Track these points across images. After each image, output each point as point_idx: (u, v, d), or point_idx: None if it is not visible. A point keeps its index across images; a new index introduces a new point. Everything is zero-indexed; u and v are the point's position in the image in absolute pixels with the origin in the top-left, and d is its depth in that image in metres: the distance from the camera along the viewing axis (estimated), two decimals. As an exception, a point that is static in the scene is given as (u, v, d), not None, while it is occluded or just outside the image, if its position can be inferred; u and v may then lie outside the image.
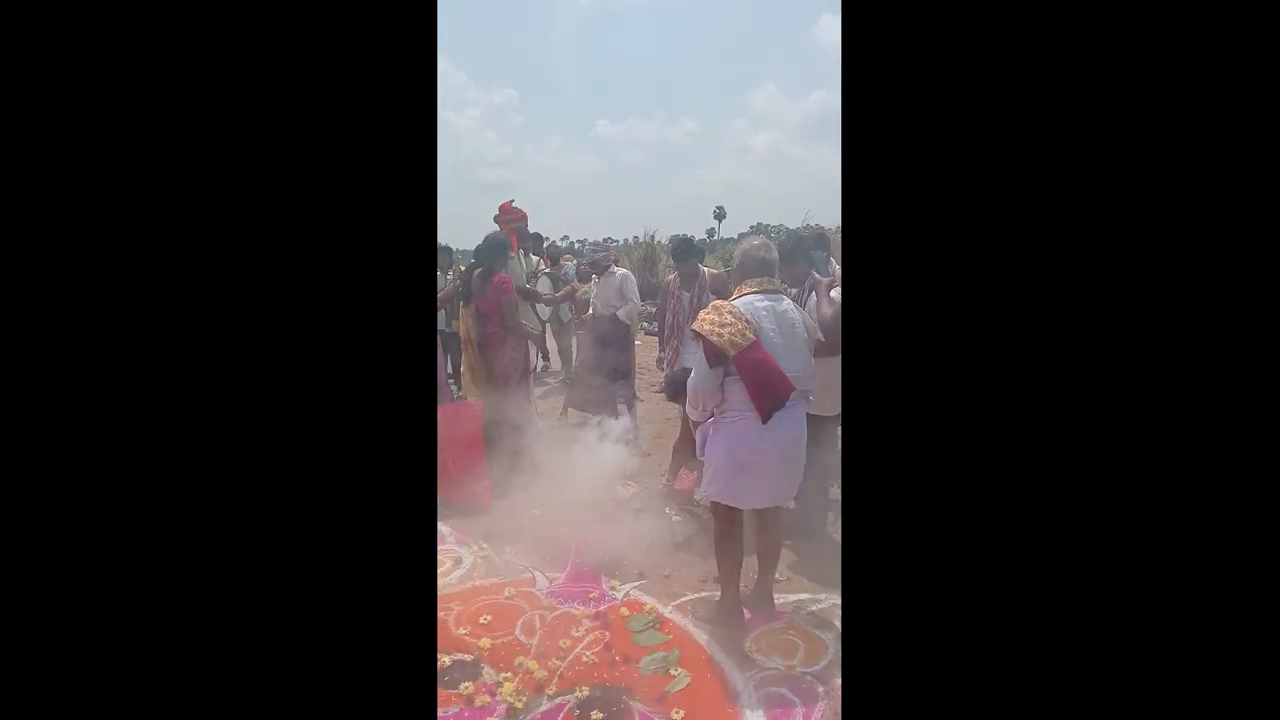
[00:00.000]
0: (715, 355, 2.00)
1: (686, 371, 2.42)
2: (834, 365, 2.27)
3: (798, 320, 2.12)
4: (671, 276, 4.02)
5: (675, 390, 2.36)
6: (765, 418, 2.01)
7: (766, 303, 2.07)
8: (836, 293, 2.48)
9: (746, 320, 2.00)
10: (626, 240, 14.25)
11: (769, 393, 2.00)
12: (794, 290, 2.79)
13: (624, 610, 2.31)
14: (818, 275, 2.74)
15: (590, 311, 4.54)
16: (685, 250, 3.82)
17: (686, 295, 3.67)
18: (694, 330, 2.08)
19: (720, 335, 1.98)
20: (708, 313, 2.07)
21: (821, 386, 2.31)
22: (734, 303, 2.08)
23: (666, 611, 2.30)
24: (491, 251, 3.56)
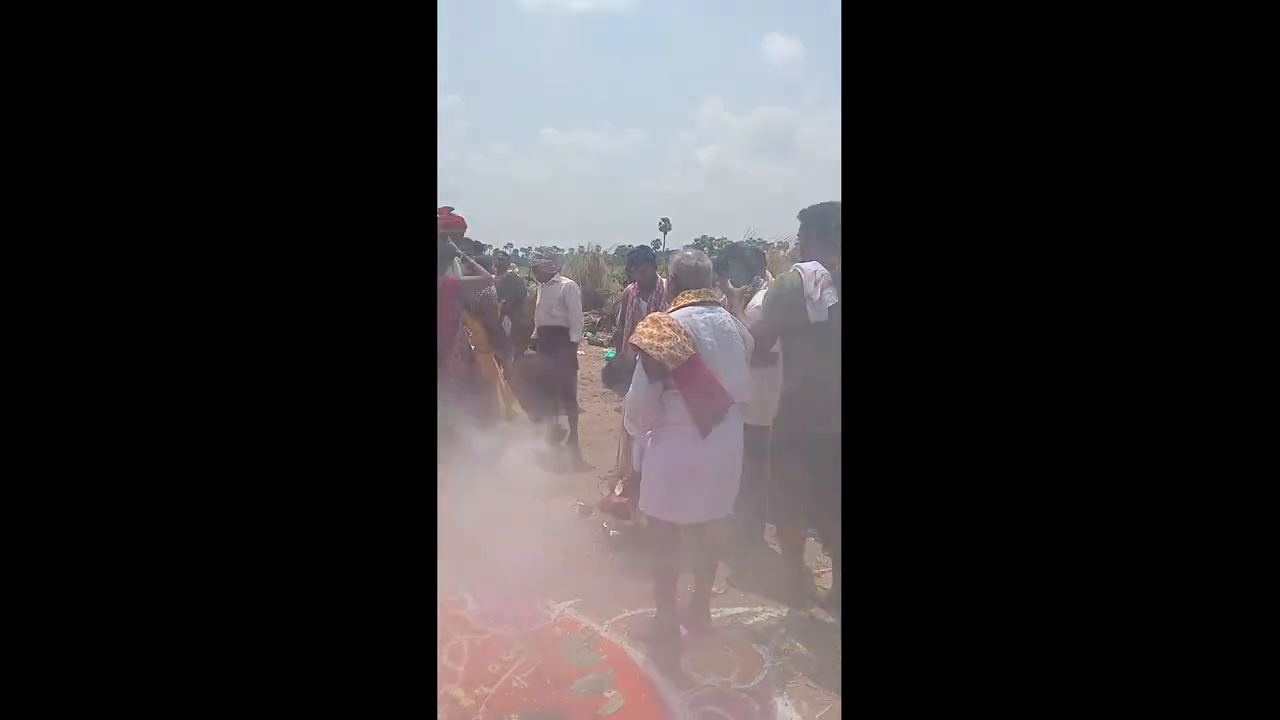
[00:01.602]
0: (654, 369, 1.97)
1: (627, 360, 2.38)
2: (761, 376, 2.28)
3: (735, 332, 2.10)
4: (630, 285, 4.00)
5: (614, 378, 2.32)
6: (704, 432, 1.99)
7: (705, 314, 2.05)
8: (755, 301, 2.49)
9: (686, 333, 1.98)
10: (572, 250, 14.19)
11: (708, 406, 1.98)
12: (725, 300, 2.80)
13: (558, 630, 2.23)
14: (731, 285, 2.75)
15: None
16: (642, 259, 3.82)
17: (644, 304, 3.65)
18: (632, 344, 2.04)
19: (660, 349, 1.95)
20: (646, 325, 2.04)
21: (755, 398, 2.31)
22: (672, 315, 2.05)
23: (602, 630, 2.24)
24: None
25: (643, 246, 4.90)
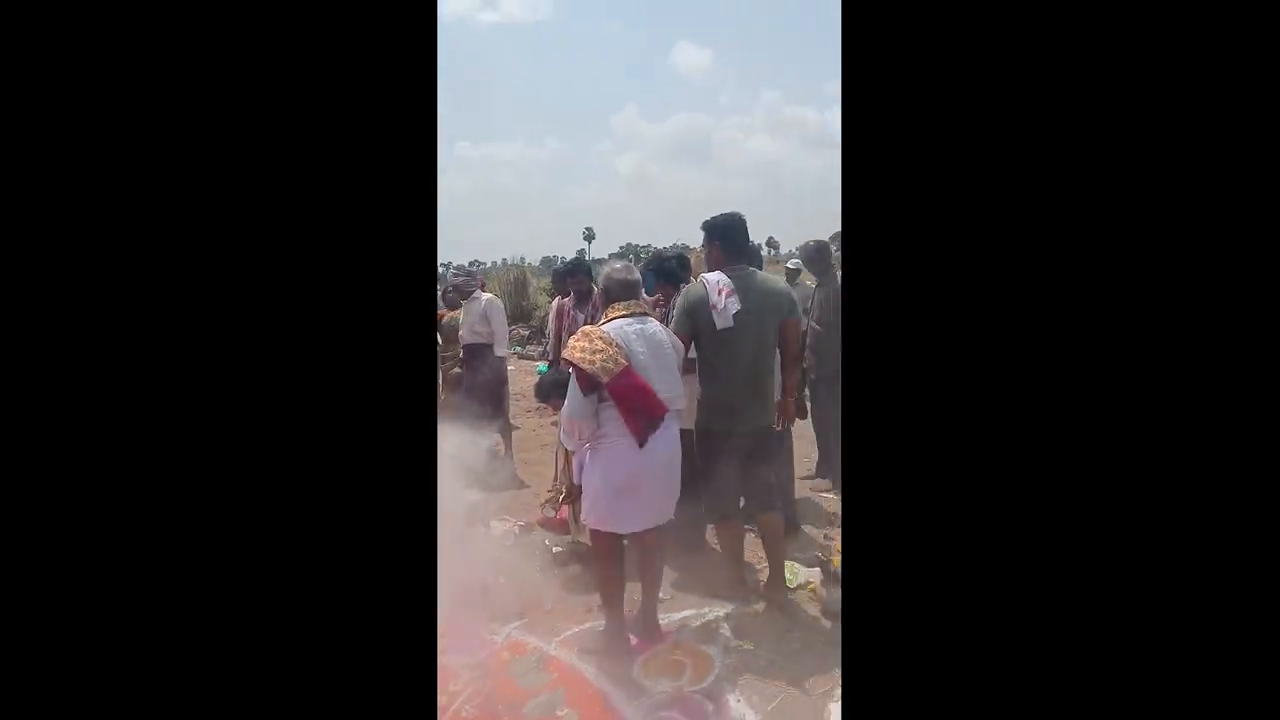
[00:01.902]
0: (588, 382, 1.97)
1: (559, 373, 2.36)
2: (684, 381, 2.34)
3: (665, 340, 2.14)
4: (564, 299, 3.98)
5: (547, 393, 2.30)
6: (642, 441, 2.01)
7: (635, 325, 2.08)
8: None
9: (617, 345, 2.00)
10: (495, 263, 13.98)
11: (644, 416, 2.00)
12: (659, 310, 2.85)
13: (506, 654, 2.18)
14: (645, 294, 2.81)
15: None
16: (578, 270, 3.82)
17: (581, 315, 3.64)
18: (564, 358, 2.04)
19: (592, 362, 1.96)
20: (578, 339, 2.04)
21: None
22: (603, 328, 2.06)
23: (550, 649, 2.21)
24: None
25: (577, 258, 4.93)
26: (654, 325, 2.14)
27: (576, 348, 2.01)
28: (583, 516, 2.21)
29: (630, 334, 2.04)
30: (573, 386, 2.01)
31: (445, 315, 4.56)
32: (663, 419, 2.04)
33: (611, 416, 2.02)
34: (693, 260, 4.05)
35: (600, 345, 1.99)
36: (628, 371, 1.98)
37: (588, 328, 2.11)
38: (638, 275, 2.22)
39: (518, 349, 9.57)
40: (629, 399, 1.98)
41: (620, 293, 2.16)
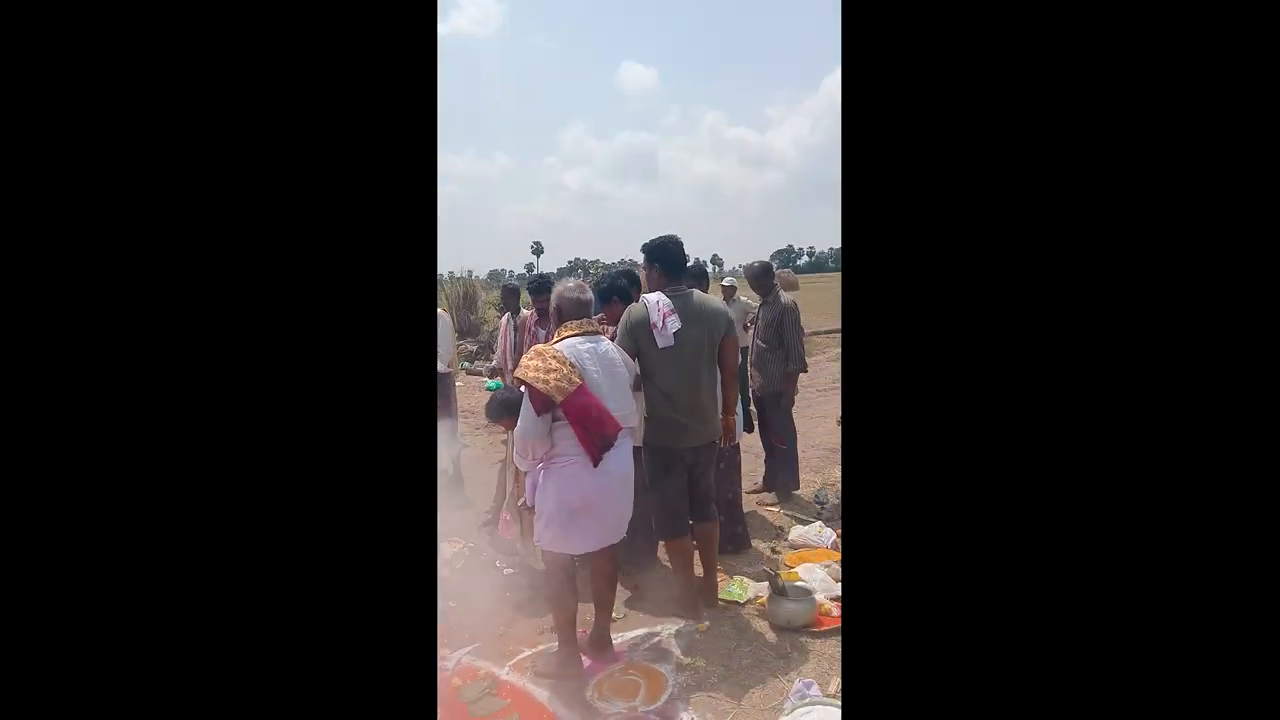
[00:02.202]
0: (542, 402, 1.98)
1: (510, 391, 2.35)
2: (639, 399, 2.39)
3: (618, 359, 2.17)
4: (529, 312, 4.00)
5: (499, 412, 2.29)
6: (596, 461, 2.01)
7: (588, 344, 2.09)
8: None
9: (571, 364, 2.00)
10: (442, 276, 13.74)
11: (598, 435, 2.00)
12: (611, 329, 2.88)
13: (456, 680, 2.14)
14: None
15: None
16: (542, 286, 3.84)
17: (543, 331, 3.64)
18: (516, 378, 2.04)
19: (546, 381, 1.96)
20: (530, 359, 2.04)
21: None
22: (556, 346, 2.07)
23: (503, 673, 2.19)
24: None
25: (541, 274, 4.93)
26: (606, 344, 2.16)
27: (530, 367, 2.00)
28: (535, 538, 2.20)
29: (583, 352, 2.06)
30: (526, 406, 2.01)
31: None
32: (616, 437, 2.05)
33: (565, 436, 2.02)
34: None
35: (554, 364, 1.99)
36: (582, 390, 1.99)
37: (540, 346, 2.11)
38: (590, 294, 2.25)
39: (465, 365, 9.41)
40: (583, 418, 1.99)
41: (573, 311, 2.17)
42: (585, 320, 2.17)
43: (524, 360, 2.06)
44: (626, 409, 2.14)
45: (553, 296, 2.29)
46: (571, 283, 2.26)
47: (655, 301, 2.37)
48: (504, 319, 4.44)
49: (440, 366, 3.97)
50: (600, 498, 2.07)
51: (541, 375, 1.97)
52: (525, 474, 2.24)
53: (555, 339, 2.15)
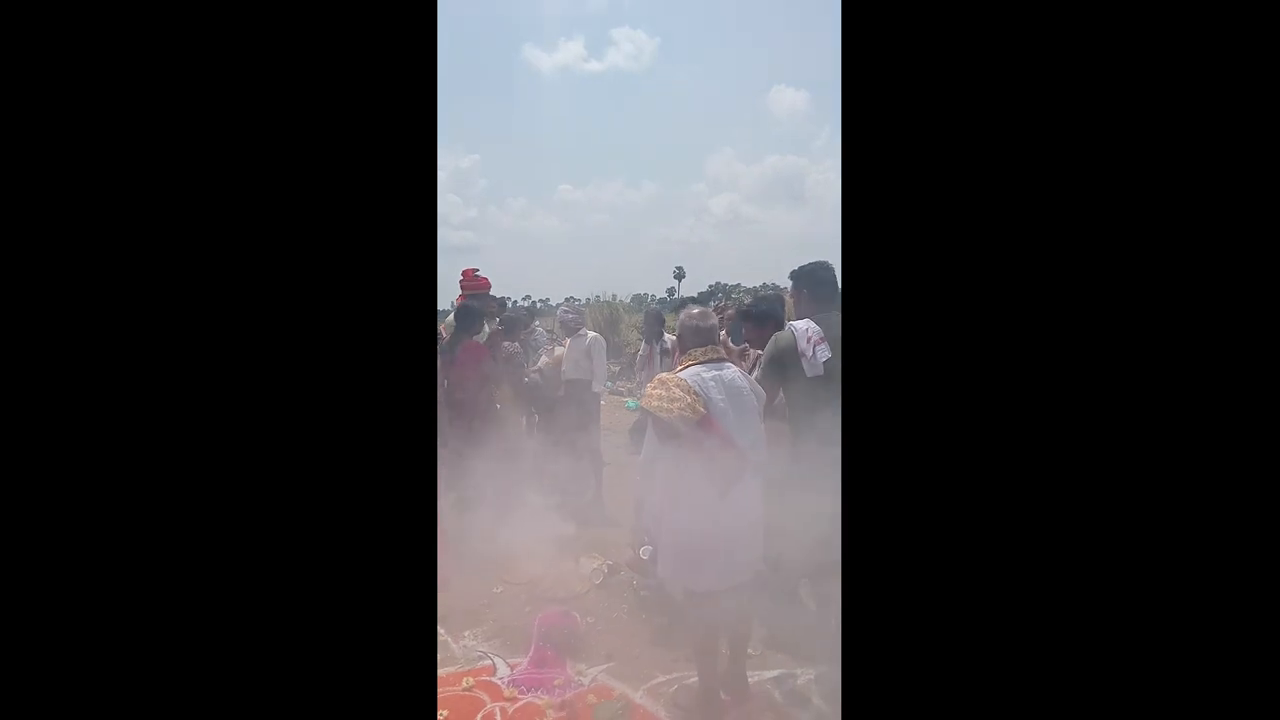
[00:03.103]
0: (665, 432, 1.95)
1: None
2: (773, 429, 2.27)
3: (745, 388, 2.07)
4: (671, 337, 4.06)
5: (641, 432, 2.31)
6: (722, 494, 1.94)
7: (713, 373, 2.03)
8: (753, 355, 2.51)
9: (695, 393, 1.95)
10: (589, 299, 14.40)
11: (724, 467, 1.93)
12: (755, 353, 2.82)
13: (591, 698, 2.18)
14: (730, 343, 2.77)
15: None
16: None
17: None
18: (643, 405, 2.03)
19: (669, 411, 1.92)
20: (654, 388, 2.01)
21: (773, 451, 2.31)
22: (679, 375, 2.03)
23: (637, 697, 2.18)
24: (466, 320, 3.69)
25: (684, 299, 5.00)
26: (733, 371, 2.08)
27: (653, 395, 1.97)
28: (659, 569, 2.17)
29: (708, 380, 2.00)
30: (649, 435, 1.99)
31: (543, 359, 4.69)
32: (743, 470, 1.96)
33: (690, 467, 1.96)
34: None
35: (677, 394, 1.95)
36: (706, 420, 1.93)
37: (664, 375, 2.07)
38: (714, 320, 2.19)
39: (609, 385, 9.75)
40: (706, 450, 1.93)
41: (695, 339, 2.12)
42: (710, 347, 2.11)
43: (648, 389, 2.03)
44: (754, 440, 2.04)
45: (677, 324, 2.26)
46: (695, 309, 2.22)
47: (804, 329, 2.26)
48: (646, 346, 4.53)
49: (595, 386, 4.14)
50: (725, 532, 1.98)
51: (664, 404, 1.93)
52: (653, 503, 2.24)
53: (679, 367, 2.10)
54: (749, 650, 2.28)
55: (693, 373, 2.03)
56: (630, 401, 5.43)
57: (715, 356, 2.09)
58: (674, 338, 4.05)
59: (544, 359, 4.52)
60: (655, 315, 4.72)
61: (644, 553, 2.90)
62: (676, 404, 1.93)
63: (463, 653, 2.48)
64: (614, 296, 15.26)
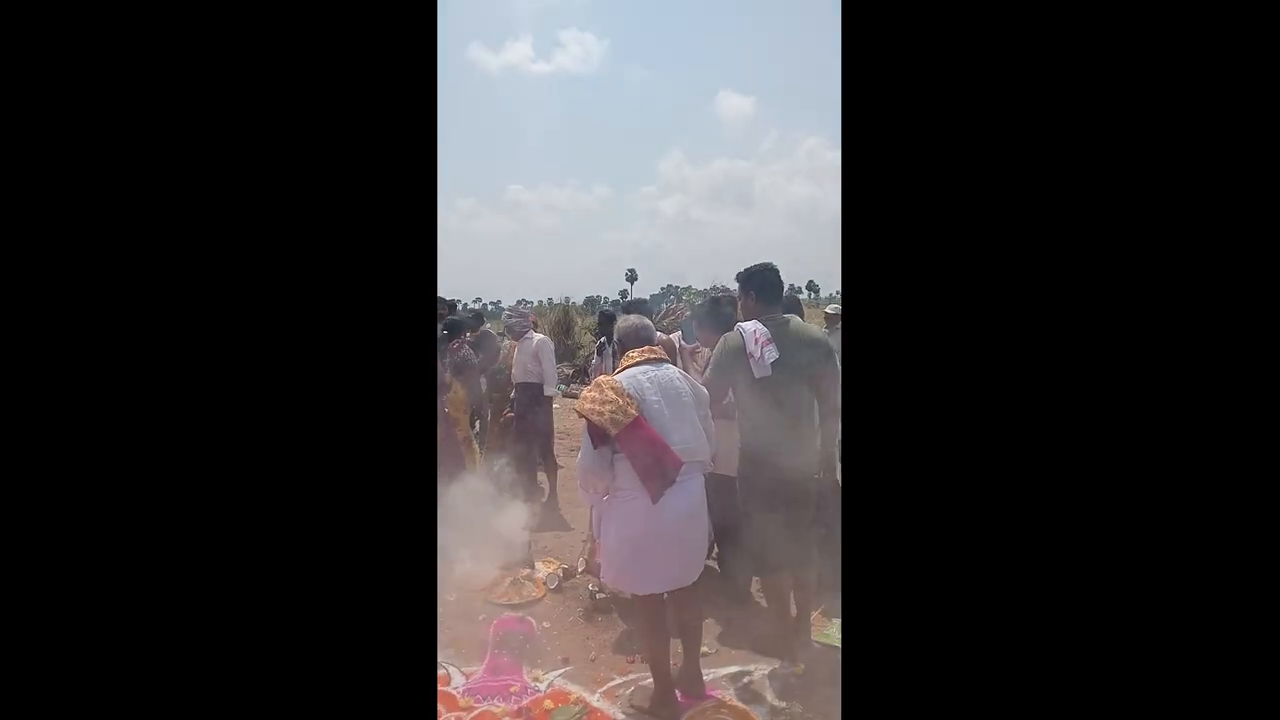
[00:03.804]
0: (598, 435, 1.92)
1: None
2: (723, 428, 2.33)
3: (684, 387, 2.07)
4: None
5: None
6: (655, 497, 1.93)
7: (650, 373, 2.03)
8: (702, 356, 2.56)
9: (629, 395, 1.94)
10: (540, 302, 14.29)
11: (656, 471, 1.92)
12: (707, 353, 2.86)
13: (548, 703, 2.17)
14: (683, 342, 2.81)
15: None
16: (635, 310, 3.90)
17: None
18: (575, 410, 2.02)
19: (600, 414, 1.90)
20: (589, 390, 2.00)
21: (723, 449, 2.35)
22: (616, 377, 2.02)
23: (594, 700, 2.18)
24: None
25: (634, 300, 4.95)
26: (670, 371, 2.08)
27: (587, 399, 1.96)
28: (601, 573, 2.17)
29: (644, 382, 1.99)
30: (585, 439, 1.96)
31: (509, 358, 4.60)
32: (677, 472, 1.94)
33: (625, 470, 1.95)
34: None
35: (610, 395, 1.93)
36: (638, 423, 1.91)
37: (601, 378, 2.06)
38: (649, 323, 2.22)
39: (561, 388, 9.69)
40: (640, 452, 1.91)
41: (633, 341, 2.13)
42: (648, 347, 2.11)
43: (584, 392, 2.02)
44: (694, 440, 2.03)
45: (615, 331, 2.26)
46: (631, 316, 2.24)
47: (752, 330, 2.30)
48: (599, 345, 4.52)
49: (547, 389, 4.10)
50: (661, 536, 1.97)
51: (596, 407, 1.92)
52: (593, 506, 2.23)
53: (618, 369, 2.10)
54: (703, 649, 2.31)
55: (629, 374, 2.01)
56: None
57: (654, 356, 2.09)
58: None
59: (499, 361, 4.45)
60: (607, 317, 4.72)
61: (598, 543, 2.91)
62: (608, 406, 1.92)
63: (415, 664, 2.43)
64: (567, 299, 15.18)
